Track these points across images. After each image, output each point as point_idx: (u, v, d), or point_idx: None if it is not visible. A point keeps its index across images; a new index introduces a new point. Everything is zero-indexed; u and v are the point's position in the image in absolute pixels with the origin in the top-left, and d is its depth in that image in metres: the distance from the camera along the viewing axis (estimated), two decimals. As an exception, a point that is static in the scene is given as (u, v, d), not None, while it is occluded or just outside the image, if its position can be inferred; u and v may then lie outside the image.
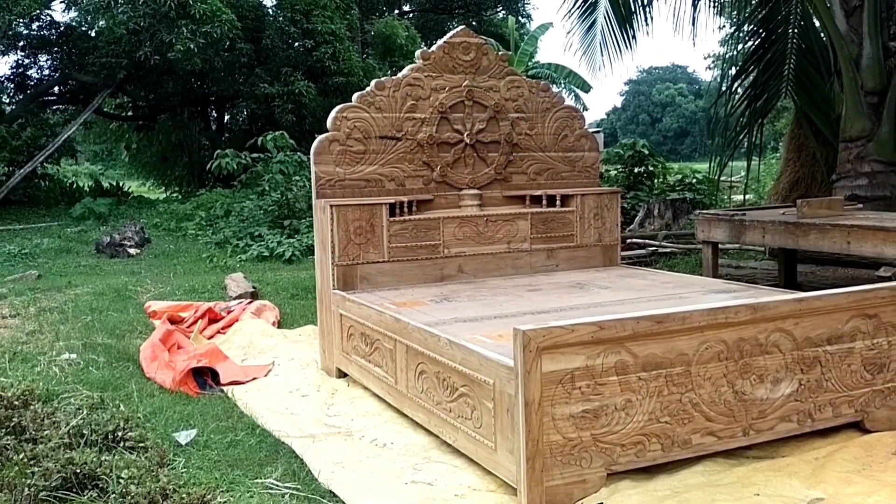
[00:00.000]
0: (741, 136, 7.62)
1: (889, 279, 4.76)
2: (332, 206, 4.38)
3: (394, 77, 4.77)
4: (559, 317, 3.55)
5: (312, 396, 4.18)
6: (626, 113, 60.93)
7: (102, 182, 19.56)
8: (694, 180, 13.07)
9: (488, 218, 4.83)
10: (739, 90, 7.80)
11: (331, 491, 2.91)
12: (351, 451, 3.35)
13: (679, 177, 13.17)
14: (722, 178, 14.09)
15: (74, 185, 18.15)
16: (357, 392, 4.16)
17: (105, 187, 18.39)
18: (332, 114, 4.59)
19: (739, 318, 3.05)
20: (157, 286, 7.77)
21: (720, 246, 7.82)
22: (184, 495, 2.75)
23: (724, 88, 7.67)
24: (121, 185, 19.09)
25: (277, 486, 2.94)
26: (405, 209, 4.64)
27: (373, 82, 4.73)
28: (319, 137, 4.57)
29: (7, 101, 16.15)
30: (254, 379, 4.45)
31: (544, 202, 5.03)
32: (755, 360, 3.11)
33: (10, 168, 14.41)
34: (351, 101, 4.66)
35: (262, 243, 10.26)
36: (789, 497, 2.81)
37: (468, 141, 4.90)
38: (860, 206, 5.71)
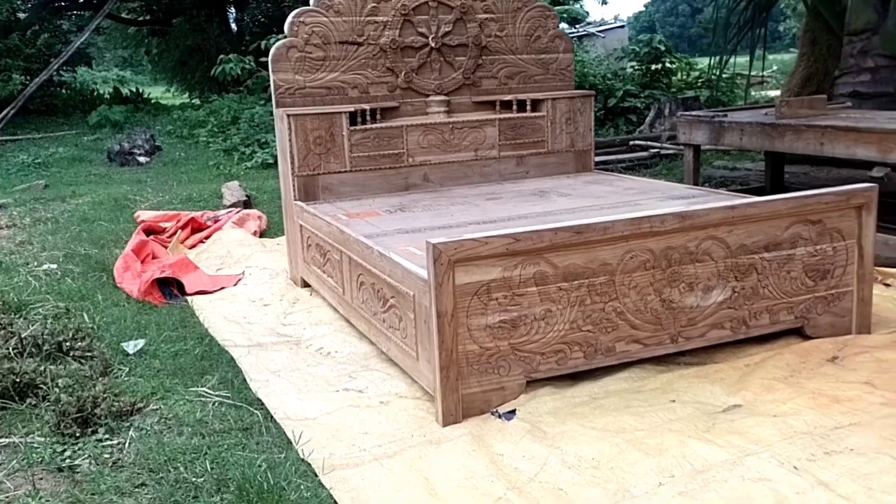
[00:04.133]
0: (745, 31, 7.30)
1: (881, 180, 4.63)
2: (288, 116, 4.35)
3: (352, -21, 4.63)
4: (506, 226, 3.53)
5: (274, 306, 4.27)
6: (664, 4, 58.48)
7: (122, 89, 19.56)
8: (713, 77, 12.64)
9: (454, 125, 4.76)
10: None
11: (258, 398, 3.01)
12: (293, 359, 3.44)
13: (697, 74, 12.74)
14: (753, 74, 13.58)
15: (95, 93, 18.20)
16: (316, 302, 4.24)
17: (125, 94, 18.41)
18: (289, 18, 4.49)
19: (666, 227, 3.01)
20: (157, 195, 7.88)
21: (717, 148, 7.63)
22: (115, 403, 2.88)
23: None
24: (141, 91, 19.08)
25: (209, 394, 3.05)
26: (368, 117, 4.59)
27: (331, -15, 4.60)
28: (276, 44, 4.50)
29: (20, 7, 16.03)
30: (222, 288, 4.55)
31: (514, 107, 4.93)
32: (685, 269, 3.08)
33: (27, 77, 14.44)
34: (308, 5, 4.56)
35: (268, 150, 10.26)
36: (706, 403, 2.84)
37: (433, 45, 4.78)
38: (848, 104, 5.49)
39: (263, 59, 11.73)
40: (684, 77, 13.06)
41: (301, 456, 2.55)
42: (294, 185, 4.43)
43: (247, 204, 7.07)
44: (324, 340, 3.68)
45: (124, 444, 2.69)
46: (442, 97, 4.84)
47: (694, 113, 5.70)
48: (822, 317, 3.36)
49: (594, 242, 2.92)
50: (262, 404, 2.97)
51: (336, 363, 3.40)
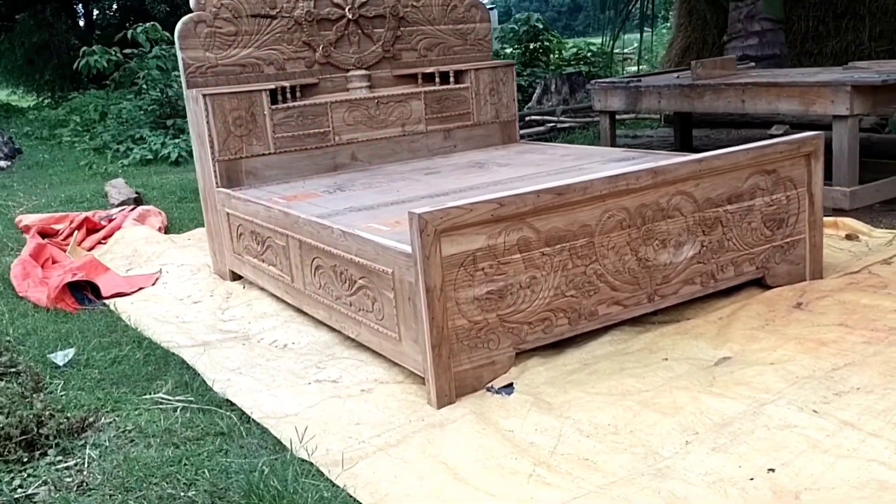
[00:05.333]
0: (632, 7, 7.43)
1: (781, 136, 4.78)
2: (204, 96, 4.00)
3: (262, -52, 4.31)
4: (459, 198, 3.35)
5: (206, 302, 3.93)
6: (519, -11, 59.60)
7: (-38, 92, 17.95)
8: (589, 54, 12.94)
9: (379, 100, 4.54)
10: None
11: (227, 399, 2.73)
12: (248, 355, 3.16)
13: (573, 51, 13.00)
14: (615, 51, 13.95)
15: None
16: (253, 294, 3.94)
17: (-34, 98, 16.90)
18: (196, -9, 4.14)
19: (641, 184, 2.94)
20: (32, 199, 7.22)
21: (617, 116, 7.76)
22: (62, 420, 2.52)
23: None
24: (-16, 94, 17.58)
25: (168, 399, 2.73)
26: (288, 95, 4.30)
27: (239, -46, 4.27)
28: (183, 19, 4.12)
29: None
30: (140, 289, 4.15)
31: (437, 80, 4.77)
32: (657, 226, 3.03)
33: None
34: (216, -23, 4.20)
35: (145, 146, 9.62)
36: (697, 359, 2.80)
37: (350, 16, 4.53)
38: (752, 65, 5.67)
39: (129, 51, 11.02)
40: (559, 55, 13.28)
41: (302, 455, 2.30)
42: (215, 172, 4.09)
43: (137, 201, 6.57)
44: (275, 333, 3.40)
45: (83, 464, 2.35)
46: (362, 71, 4.61)
47: (609, 80, 5.72)
48: (780, 265, 3.40)
49: (574, 203, 2.81)
50: (232, 405, 2.69)
51: (298, 355, 3.14)
